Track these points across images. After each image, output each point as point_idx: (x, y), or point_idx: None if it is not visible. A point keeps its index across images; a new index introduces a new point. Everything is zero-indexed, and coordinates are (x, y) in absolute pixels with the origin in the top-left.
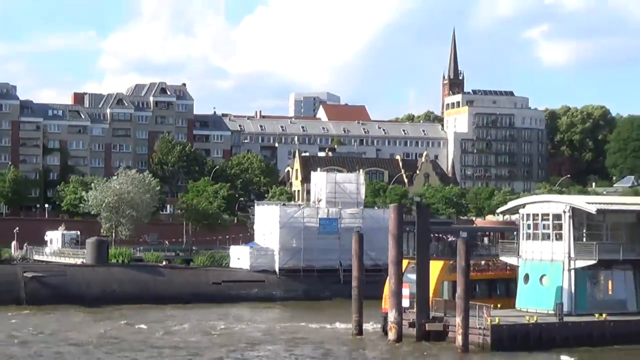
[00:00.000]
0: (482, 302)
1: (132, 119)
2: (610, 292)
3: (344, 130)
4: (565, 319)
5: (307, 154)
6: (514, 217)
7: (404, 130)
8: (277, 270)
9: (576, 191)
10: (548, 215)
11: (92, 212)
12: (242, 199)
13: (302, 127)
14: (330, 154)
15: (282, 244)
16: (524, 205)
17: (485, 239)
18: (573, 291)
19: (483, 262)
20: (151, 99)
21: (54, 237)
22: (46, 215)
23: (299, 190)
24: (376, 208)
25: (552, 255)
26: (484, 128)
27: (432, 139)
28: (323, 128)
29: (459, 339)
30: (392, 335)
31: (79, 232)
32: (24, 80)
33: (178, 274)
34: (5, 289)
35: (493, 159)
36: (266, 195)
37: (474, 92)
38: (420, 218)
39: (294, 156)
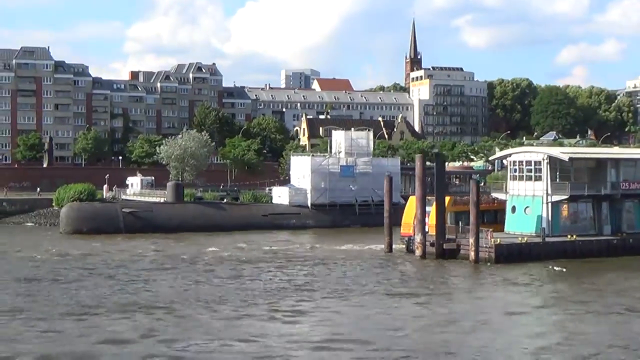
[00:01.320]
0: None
1: (176, 91)
2: (576, 220)
3: (335, 98)
4: (547, 239)
5: (311, 117)
6: (470, 163)
7: (380, 98)
8: (309, 205)
9: (516, 144)
10: (530, 162)
11: (163, 162)
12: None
13: (303, 96)
14: (328, 116)
15: (313, 185)
16: (510, 155)
17: (457, 180)
18: (550, 219)
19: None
20: (190, 75)
21: (134, 182)
22: (120, 165)
23: (306, 144)
24: (381, 158)
25: (534, 192)
26: (441, 96)
27: (402, 104)
28: (319, 97)
29: (472, 255)
30: (418, 252)
31: (153, 178)
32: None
33: (235, 208)
34: (108, 221)
35: (448, 119)
36: (285, 149)
37: (433, 68)
38: (438, 164)
39: (299, 118)
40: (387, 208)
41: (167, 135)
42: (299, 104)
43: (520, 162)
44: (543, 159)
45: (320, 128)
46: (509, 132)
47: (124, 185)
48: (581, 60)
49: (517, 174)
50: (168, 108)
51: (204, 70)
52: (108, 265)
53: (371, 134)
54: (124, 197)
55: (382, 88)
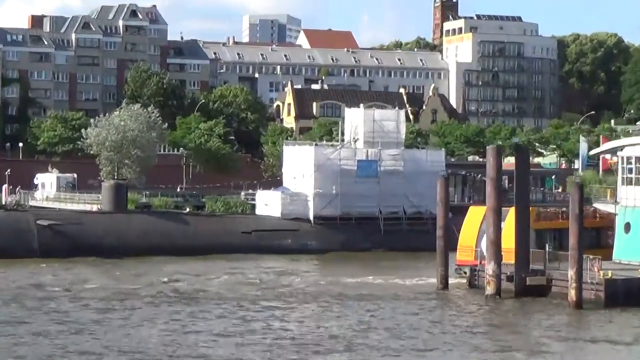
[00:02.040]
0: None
1: (100, 46)
2: None
3: (332, 60)
4: None
5: (299, 86)
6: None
7: (399, 60)
8: (311, 218)
9: (604, 131)
10: None
11: (91, 152)
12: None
13: (285, 56)
14: (325, 86)
15: (317, 189)
16: (622, 148)
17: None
18: None
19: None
20: (120, 22)
21: (47, 181)
22: (21, 157)
23: (292, 128)
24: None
25: None
26: (490, 57)
27: (432, 69)
28: (309, 57)
29: (572, 294)
30: (490, 289)
31: (75, 176)
32: None
33: (203, 222)
34: (16, 239)
35: (500, 93)
36: (265, 135)
37: (478, 17)
38: (520, 161)
39: (279, 89)
40: (441, 224)
41: (84, 110)
42: (278, 68)
43: (638, 159)
44: None
45: (314, 104)
46: (592, 112)
47: (30, 186)
48: None
49: (633, 175)
50: (87, 71)
51: (140, 16)
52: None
53: (402, 114)
54: (32, 203)
55: (399, 44)
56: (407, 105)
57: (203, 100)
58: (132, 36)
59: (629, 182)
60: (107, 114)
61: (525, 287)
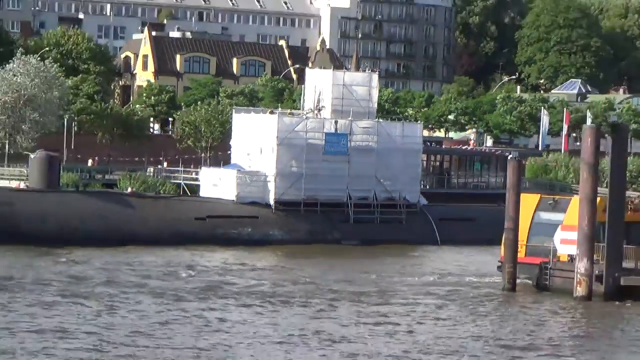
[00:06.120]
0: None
1: None
2: None
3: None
4: None
5: (159, 34)
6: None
7: (259, 2)
8: (272, 203)
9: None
10: None
11: None
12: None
13: None
14: (188, 35)
15: (279, 168)
16: None
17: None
18: None
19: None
20: None
21: None
22: None
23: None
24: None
25: None
26: (373, 3)
27: (300, 15)
28: None
29: None
30: (581, 291)
31: None
32: None
33: (150, 205)
34: None
35: (384, 48)
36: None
37: None
38: (618, 144)
39: (112, 35)
40: (511, 214)
41: None
42: (108, 7)
43: None
44: None
45: (178, 57)
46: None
47: None
48: None
49: None
50: None
51: None
52: None
53: (375, 77)
54: None
55: None
56: (290, 62)
57: (47, 48)
58: None
59: None
60: None
61: (618, 288)
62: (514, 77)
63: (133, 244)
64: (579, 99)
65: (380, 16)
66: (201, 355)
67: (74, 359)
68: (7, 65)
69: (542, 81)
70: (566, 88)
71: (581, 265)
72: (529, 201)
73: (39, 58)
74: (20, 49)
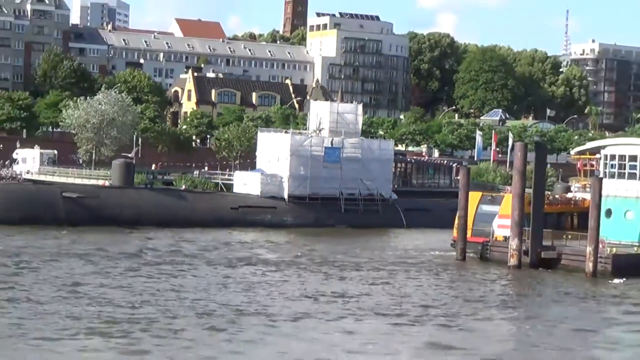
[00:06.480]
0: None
1: (11, 28)
2: None
3: (210, 49)
4: None
5: (196, 74)
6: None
7: (269, 52)
8: (286, 197)
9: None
10: (635, 156)
11: (72, 132)
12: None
13: (167, 44)
14: (220, 75)
15: (291, 172)
16: (604, 147)
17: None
18: None
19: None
20: (28, 6)
21: (28, 156)
22: None
23: (192, 112)
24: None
25: (638, 192)
26: (352, 53)
27: (299, 62)
28: (188, 45)
29: (590, 266)
30: (513, 261)
31: (55, 152)
32: None
33: (199, 198)
34: (46, 209)
35: (359, 86)
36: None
37: (341, 14)
38: (539, 156)
39: (164, 74)
40: (462, 206)
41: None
42: (161, 55)
43: (622, 157)
44: None
45: (213, 91)
46: (451, 108)
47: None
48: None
49: (615, 170)
50: None
51: (46, 1)
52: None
53: (360, 107)
54: (27, 176)
55: (252, 36)
56: (293, 95)
57: (119, 84)
58: (39, 20)
59: (611, 175)
60: (87, 98)
61: (539, 260)
62: (452, 107)
63: (186, 226)
64: (500, 124)
65: (357, 63)
66: (247, 304)
67: (161, 307)
68: (94, 97)
69: (472, 110)
70: (490, 116)
71: (513, 243)
72: (473, 197)
73: (117, 91)
74: (103, 85)
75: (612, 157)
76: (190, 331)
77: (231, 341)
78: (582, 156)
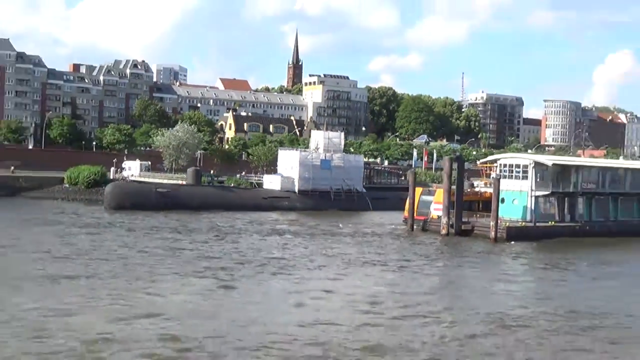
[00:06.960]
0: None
1: (117, 84)
2: (548, 210)
3: (242, 97)
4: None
5: (239, 113)
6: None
7: (279, 99)
8: (297, 190)
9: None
10: (519, 165)
11: (160, 150)
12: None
13: (214, 94)
14: (249, 114)
15: (300, 175)
16: (499, 159)
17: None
18: (533, 208)
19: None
20: (128, 71)
21: (133, 166)
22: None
23: (232, 137)
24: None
25: (521, 187)
26: (332, 100)
27: (298, 105)
28: (228, 94)
29: (492, 234)
30: (444, 231)
31: (149, 163)
32: None
33: (242, 192)
34: (145, 199)
35: (337, 120)
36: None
37: (325, 75)
38: (460, 165)
39: (213, 113)
40: (411, 194)
41: (108, 123)
42: (211, 101)
43: (511, 166)
44: (530, 163)
45: (245, 124)
46: (401, 135)
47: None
48: (388, 68)
49: (507, 173)
50: (109, 99)
51: (139, 67)
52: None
53: (342, 134)
54: (132, 179)
55: (266, 89)
56: (296, 127)
57: (186, 120)
58: (134, 79)
59: (504, 177)
60: (169, 129)
61: (460, 230)
62: (395, 134)
63: (234, 210)
64: (426, 144)
65: (335, 106)
66: (278, 258)
67: (227, 267)
68: (171, 128)
69: (407, 135)
70: (420, 139)
71: (444, 220)
72: (417, 190)
73: (187, 124)
74: (179, 121)
75: (504, 165)
76: (248, 269)
77: (270, 273)
78: (485, 165)
